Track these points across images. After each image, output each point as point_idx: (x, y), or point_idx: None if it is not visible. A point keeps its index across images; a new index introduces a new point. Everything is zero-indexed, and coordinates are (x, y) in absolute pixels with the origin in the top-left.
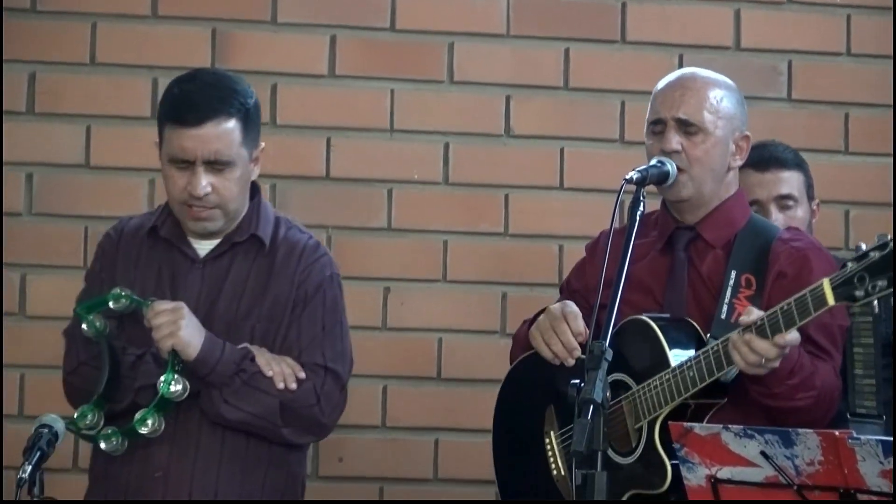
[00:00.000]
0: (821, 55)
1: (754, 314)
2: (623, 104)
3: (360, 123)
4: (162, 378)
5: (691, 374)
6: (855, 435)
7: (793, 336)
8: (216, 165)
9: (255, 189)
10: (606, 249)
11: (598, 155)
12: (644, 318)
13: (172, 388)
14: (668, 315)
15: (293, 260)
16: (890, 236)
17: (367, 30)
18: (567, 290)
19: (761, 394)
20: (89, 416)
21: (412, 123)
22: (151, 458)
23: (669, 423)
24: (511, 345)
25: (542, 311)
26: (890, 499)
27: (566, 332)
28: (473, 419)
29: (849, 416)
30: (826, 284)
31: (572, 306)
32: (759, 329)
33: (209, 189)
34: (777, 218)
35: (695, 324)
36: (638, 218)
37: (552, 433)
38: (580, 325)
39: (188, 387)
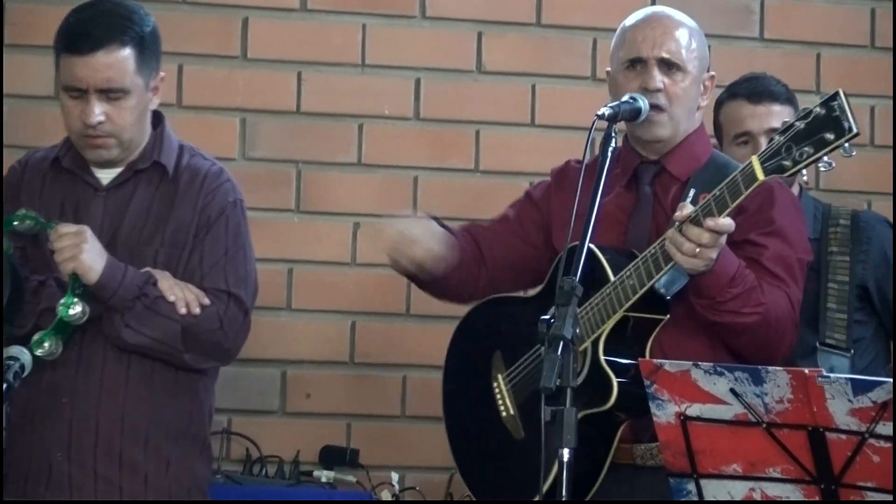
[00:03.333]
0: None
1: (688, 208)
2: (595, 41)
3: (332, 58)
4: (61, 301)
5: (630, 282)
6: (824, 373)
7: (725, 221)
8: (109, 94)
9: (158, 118)
10: (577, 182)
11: (570, 92)
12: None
13: (71, 312)
14: (609, 245)
15: (196, 186)
16: (812, 106)
17: None
18: (524, 201)
19: (706, 307)
20: (46, 343)
21: (383, 59)
22: (57, 384)
23: (640, 360)
24: None
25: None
26: (859, 437)
27: (411, 247)
28: (442, 356)
29: (818, 344)
30: (755, 160)
31: (417, 222)
32: (694, 220)
33: (102, 118)
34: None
35: (633, 251)
36: (610, 154)
37: (500, 376)
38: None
39: (87, 310)
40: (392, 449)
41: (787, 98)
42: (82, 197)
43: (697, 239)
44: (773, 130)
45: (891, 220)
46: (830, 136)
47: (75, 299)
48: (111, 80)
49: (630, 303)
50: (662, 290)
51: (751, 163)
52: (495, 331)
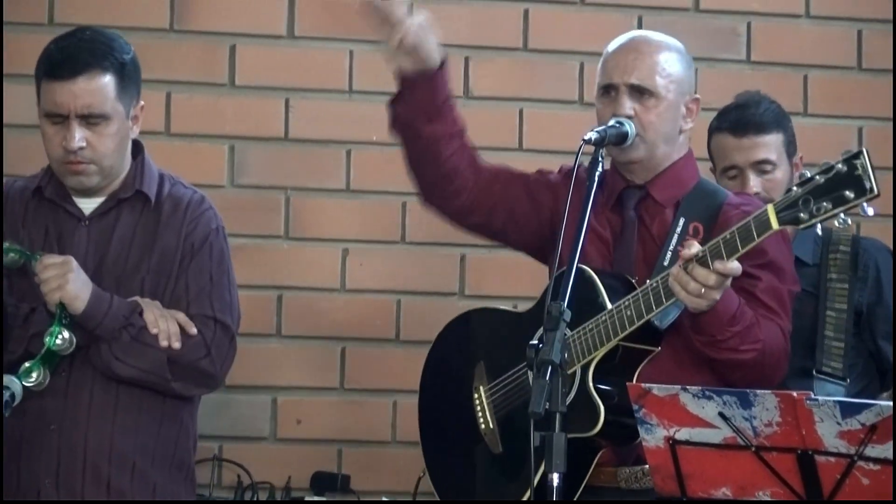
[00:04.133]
0: (780, 17)
1: (695, 247)
2: (582, 65)
3: (319, 84)
4: (48, 330)
5: (628, 312)
6: (813, 396)
7: (734, 265)
8: (90, 119)
9: (138, 147)
10: (566, 202)
11: (557, 116)
12: (582, 266)
13: (58, 341)
14: (603, 269)
15: (179, 214)
16: (833, 162)
17: None
18: (542, 178)
19: (705, 343)
20: (34, 374)
21: (371, 84)
22: (45, 412)
23: (628, 384)
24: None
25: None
26: (848, 459)
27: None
28: None
29: (814, 372)
30: (770, 209)
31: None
32: (701, 260)
33: (83, 143)
34: (755, 182)
35: (629, 278)
36: (597, 179)
37: (481, 388)
38: None
39: (74, 340)
40: (383, 474)
41: (776, 124)
42: (65, 227)
43: (704, 280)
44: (760, 163)
45: (890, 246)
46: (850, 195)
47: (62, 329)
48: (92, 105)
49: (626, 333)
50: (657, 323)
51: (766, 211)
52: (481, 341)
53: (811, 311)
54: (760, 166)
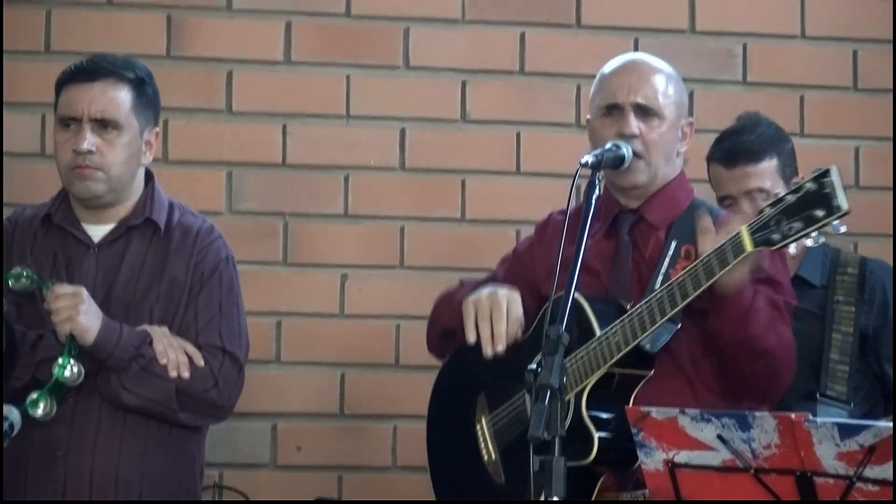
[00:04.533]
0: (775, 38)
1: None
2: (579, 88)
3: (316, 110)
4: (58, 361)
5: (616, 338)
6: (811, 417)
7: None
8: (103, 125)
9: (148, 176)
10: (561, 231)
11: (555, 139)
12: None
13: (67, 373)
14: (595, 293)
15: (188, 243)
16: (804, 179)
17: (323, 15)
18: (511, 259)
19: (737, 319)
20: (41, 405)
21: (368, 109)
22: (52, 439)
23: (626, 408)
24: (438, 300)
25: (488, 280)
26: (847, 481)
27: (501, 321)
28: None
29: (818, 395)
30: (744, 231)
31: (517, 298)
32: (681, 285)
33: (93, 148)
34: (749, 211)
35: (621, 301)
36: (594, 202)
37: (483, 419)
38: (519, 315)
39: (83, 372)
40: (384, 500)
41: (767, 151)
42: (74, 253)
43: None
44: (753, 191)
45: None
46: (820, 213)
47: (71, 360)
48: (106, 111)
49: (615, 360)
50: (648, 346)
51: (739, 233)
52: (481, 373)
53: (817, 333)
54: (754, 195)
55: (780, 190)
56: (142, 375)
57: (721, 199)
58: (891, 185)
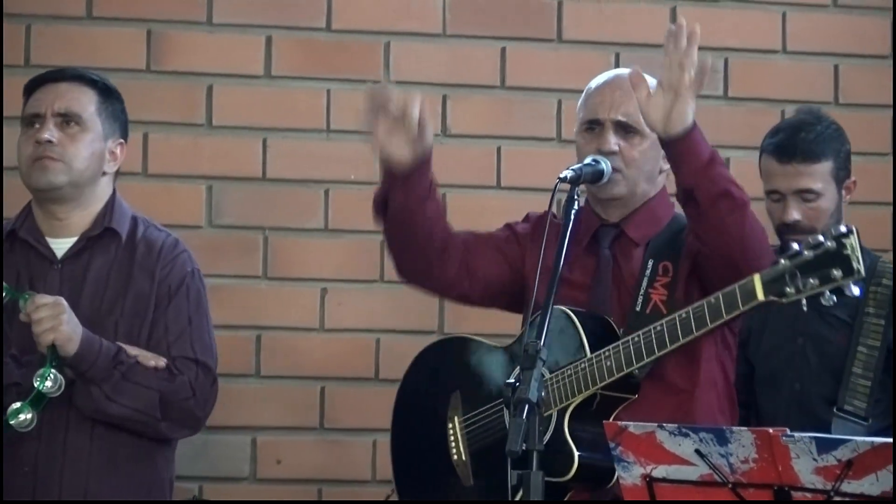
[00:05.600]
0: (756, 52)
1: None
2: (560, 103)
3: (297, 124)
4: (39, 372)
5: (608, 364)
6: (789, 432)
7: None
8: (66, 120)
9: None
10: (550, 240)
11: (535, 154)
12: (563, 308)
13: (48, 384)
14: (583, 309)
15: (153, 257)
16: (822, 238)
17: (304, 30)
18: (508, 233)
19: (702, 170)
20: (23, 415)
21: (348, 124)
22: (20, 454)
23: (604, 422)
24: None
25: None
26: (825, 495)
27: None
28: None
29: (835, 409)
30: (756, 280)
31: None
32: (683, 322)
33: (55, 139)
34: (795, 209)
35: (610, 320)
36: (573, 216)
37: (456, 418)
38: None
39: (64, 383)
40: None
41: (825, 153)
42: (37, 270)
43: None
44: (803, 192)
45: None
46: (837, 274)
47: (53, 371)
48: (69, 106)
49: (605, 384)
50: (636, 372)
51: (752, 280)
52: (459, 370)
53: (844, 341)
54: (803, 195)
55: (831, 194)
56: (124, 384)
57: (769, 193)
58: (882, 199)
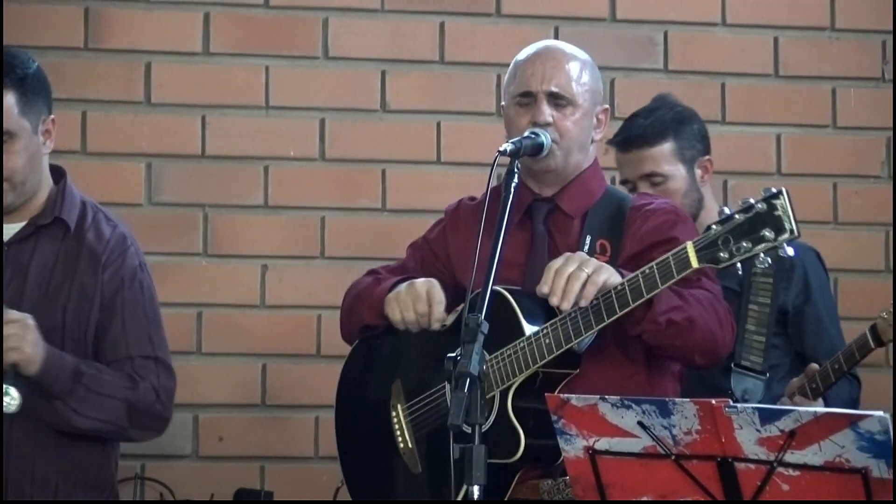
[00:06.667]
0: (696, 25)
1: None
2: (499, 77)
3: (236, 101)
4: None
5: (547, 341)
6: (732, 403)
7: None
8: None
9: (60, 173)
10: (477, 220)
11: (475, 128)
12: (498, 288)
13: (7, 399)
14: (520, 287)
15: (101, 247)
16: (753, 200)
17: (241, 6)
18: (422, 246)
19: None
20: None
21: (287, 100)
22: None
23: (546, 395)
24: (348, 292)
25: (399, 268)
26: (768, 466)
27: (426, 316)
28: None
29: (733, 365)
30: (690, 247)
31: (436, 283)
32: (620, 294)
33: None
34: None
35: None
36: (513, 190)
37: (399, 406)
38: (441, 298)
39: (22, 403)
40: (306, 490)
41: (664, 132)
42: None
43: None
44: (648, 175)
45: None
46: (770, 235)
47: (13, 390)
48: None
49: (544, 362)
50: (575, 347)
51: (685, 248)
52: (398, 359)
53: (734, 307)
54: (650, 179)
55: (679, 174)
56: (89, 396)
57: (622, 183)
58: (813, 171)
